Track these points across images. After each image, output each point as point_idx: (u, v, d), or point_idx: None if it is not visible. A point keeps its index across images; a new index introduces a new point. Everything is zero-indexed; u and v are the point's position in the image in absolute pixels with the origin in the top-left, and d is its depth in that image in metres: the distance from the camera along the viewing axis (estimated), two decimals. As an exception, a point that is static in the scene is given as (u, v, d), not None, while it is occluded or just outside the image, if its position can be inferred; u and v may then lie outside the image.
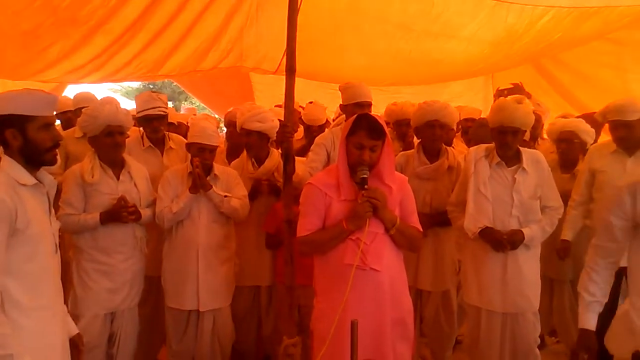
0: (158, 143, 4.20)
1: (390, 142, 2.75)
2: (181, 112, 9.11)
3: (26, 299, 2.28)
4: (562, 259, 4.25)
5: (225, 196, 3.71)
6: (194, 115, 7.20)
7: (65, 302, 2.65)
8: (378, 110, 5.69)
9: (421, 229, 2.88)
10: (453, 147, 4.28)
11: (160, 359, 4.35)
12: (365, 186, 2.64)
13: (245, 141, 3.97)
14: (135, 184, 3.59)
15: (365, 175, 2.65)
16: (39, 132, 2.35)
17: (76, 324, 3.23)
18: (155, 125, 4.08)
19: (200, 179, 3.60)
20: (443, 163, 3.92)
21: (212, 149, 3.73)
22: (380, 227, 2.70)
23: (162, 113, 4.11)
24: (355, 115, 2.75)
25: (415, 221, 2.84)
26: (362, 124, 2.66)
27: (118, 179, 3.54)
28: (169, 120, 4.86)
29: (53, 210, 2.53)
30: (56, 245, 2.48)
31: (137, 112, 4.15)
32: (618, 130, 3.89)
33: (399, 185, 2.81)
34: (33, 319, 2.31)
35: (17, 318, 2.26)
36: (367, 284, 2.64)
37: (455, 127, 4.28)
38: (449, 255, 4.02)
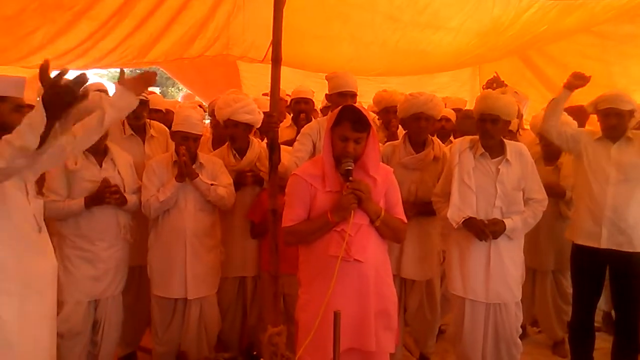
0: (139, 131, 4.19)
1: (375, 134, 2.74)
2: (179, 100, 9.06)
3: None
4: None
5: (212, 184, 3.71)
6: (189, 102, 7.12)
7: None
8: (365, 99, 5.72)
9: (406, 220, 2.90)
10: (452, 140, 4.28)
11: (143, 346, 4.36)
12: (350, 178, 2.65)
13: (230, 132, 3.94)
14: (118, 172, 3.59)
15: (349, 167, 2.66)
16: (11, 113, 2.40)
17: (59, 310, 3.28)
18: (137, 111, 4.01)
19: (186, 167, 3.60)
20: (429, 153, 3.94)
21: (196, 138, 3.72)
22: (365, 218, 2.71)
23: (144, 98, 4.08)
24: (340, 107, 2.74)
25: (399, 212, 2.86)
26: (346, 116, 2.66)
27: (101, 166, 3.54)
28: (156, 107, 4.84)
29: (33, 191, 2.55)
30: (38, 225, 2.52)
31: None
32: (610, 119, 3.91)
33: (384, 177, 2.82)
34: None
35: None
36: (351, 274, 2.66)
37: (440, 119, 4.29)
38: (433, 244, 4.05)
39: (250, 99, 4.03)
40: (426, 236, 4.01)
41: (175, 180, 3.62)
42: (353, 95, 3.88)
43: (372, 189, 2.72)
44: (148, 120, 4.25)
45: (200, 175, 3.68)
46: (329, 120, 2.78)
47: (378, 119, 5.13)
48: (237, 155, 4.01)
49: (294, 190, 2.80)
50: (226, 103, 3.94)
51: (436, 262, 4.10)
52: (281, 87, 3.51)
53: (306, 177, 2.77)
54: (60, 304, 3.36)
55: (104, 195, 3.44)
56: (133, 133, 4.16)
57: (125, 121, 4.15)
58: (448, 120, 5.09)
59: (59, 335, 3.40)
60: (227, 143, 4.09)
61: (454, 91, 7.85)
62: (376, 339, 2.71)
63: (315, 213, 2.74)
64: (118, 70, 3.56)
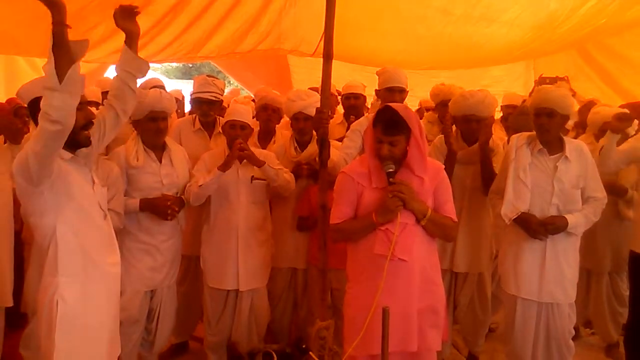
0: (208, 126, 4.28)
1: (418, 134, 2.71)
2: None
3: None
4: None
5: (279, 169, 3.76)
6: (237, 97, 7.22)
7: None
8: (415, 93, 5.65)
9: (456, 219, 2.87)
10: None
11: (196, 336, 4.46)
12: (391, 179, 2.66)
13: (301, 125, 3.98)
14: (175, 167, 3.65)
15: (390, 170, 2.68)
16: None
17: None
18: (204, 109, 4.17)
19: (251, 158, 3.65)
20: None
21: (243, 125, 3.75)
22: (411, 217, 2.71)
23: (213, 98, 4.21)
24: (378, 109, 2.76)
25: (449, 210, 2.83)
26: (380, 119, 2.68)
27: (160, 162, 3.60)
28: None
29: (96, 180, 2.66)
30: (104, 212, 2.63)
31: (192, 93, 4.27)
32: None
33: (433, 174, 2.80)
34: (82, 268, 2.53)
35: (66, 263, 2.47)
36: (396, 273, 2.66)
37: (494, 115, 4.21)
38: (485, 237, 4.01)
39: (318, 95, 4.04)
40: (478, 229, 3.97)
41: (218, 168, 3.62)
42: (402, 90, 3.85)
43: (419, 188, 2.72)
44: (218, 117, 4.34)
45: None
46: (370, 120, 2.80)
47: (434, 111, 5.06)
48: (298, 147, 4.06)
49: (341, 188, 2.83)
50: (298, 96, 4.00)
51: (488, 256, 4.04)
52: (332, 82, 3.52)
53: (353, 175, 2.80)
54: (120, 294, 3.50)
55: (166, 212, 3.50)
56: (201, 128, 4.28)
57: (197, 116, 4.29)
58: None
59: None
60: (290, 135, 4.15)
61: (507, 85, 7.70)
62: (421, 337, 2.72)
63: (363, 210, 2.76)
64: (171, 63, 3.66)
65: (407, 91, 3.94)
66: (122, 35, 2.73)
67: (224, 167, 3.62)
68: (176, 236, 3.69)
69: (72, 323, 2.46)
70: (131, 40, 2.70)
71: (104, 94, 4.98)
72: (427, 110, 6.05)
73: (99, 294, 2.58)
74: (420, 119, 4.28)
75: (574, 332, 3.65)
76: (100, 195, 2.65)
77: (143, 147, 3.55)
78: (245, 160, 3.73)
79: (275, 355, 3.57)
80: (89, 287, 2.53)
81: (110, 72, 5.45)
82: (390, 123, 2.65)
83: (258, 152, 3.90)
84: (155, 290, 3.66)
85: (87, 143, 2.56)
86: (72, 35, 2.27)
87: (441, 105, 4.34)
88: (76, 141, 2.50)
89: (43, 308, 2.47)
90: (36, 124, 2.39)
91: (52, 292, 2.45)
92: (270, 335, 4.21)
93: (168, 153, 3.63)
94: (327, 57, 3.33)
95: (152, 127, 3.51)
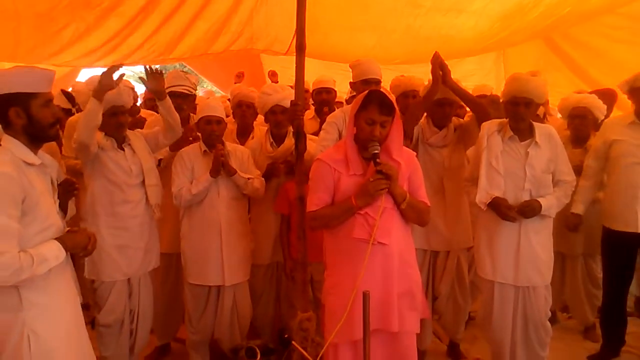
0: (183, 121, 4.27)
1: (399, 118, 2.75)
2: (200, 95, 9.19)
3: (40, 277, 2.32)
4: (572, 231, 4.27)
5: (249, 179, 3.78)
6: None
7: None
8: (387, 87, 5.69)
9: (429, 203, 2.90)
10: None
11: (179, 337, 4.44)
12: (378, 159, 2.66)
13: (278, 119, 4.00)
14: (137, 155, 3.64)
15: (377, 151, 2.67)
16: (41, 109, 2.37)
17: (96, 292, 3.41)
18: (178, 103, 4.14)
19: (224, 166, 3.68)
20: (450, 128, 4.01)
21: (218, 120, 3.78)
22: (389, 201, 2.72)
23: (186, 92, 4.20)
24: (367, 91, 2.75)
25: (422, 195, 2.87)
26: (373, 99, 2.67)
27: (123, 150, 3.61)
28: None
29: (55, 186, 2.57)
30: (63, 225, 2.53)
31: (166, 88, 4.25)
32: None
33: (407, 160, 2.83)
34: (48, 295, 2.38)
35: (29, 295, 2.31)
36: (376, 257, 2.68)
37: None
38: (465, 216, 4.08)
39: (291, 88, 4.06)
40: (457, 207, 4.03)
41: (209, 175, 3.69)
42: (377, 82, 3.89)
43: (397, 172, 2.73)
44: (192, 114, 4.34)
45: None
46: (354, 104, 2.79)
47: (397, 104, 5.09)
48: (274, 143, 4.08)
49: (317, 175, 2.82)
50: (274, 90, 4.02)
51: (468, 234, 4.10)
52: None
53: (330, 161, 2.79)
54: (99, 292, 3.51)
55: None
56: None
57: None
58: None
59: (106, 325, 3.54)
60: (266, 130, 4.16)
61: (479, 79, 7.80)
62: (400, 319, 2.74)
63: (340, 197, 2.75)
64: (143, 70, 3.67)
65: (381, 82, 3.99)
66: (92, 37, 2.72)
67: (215, 173, 3.68)
68: (148, 221, 3.67)
69: (50, 356, 2.35)
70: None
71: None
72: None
73: (67, 316, 2.48)
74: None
75: (550, 313, 3.73)
76: (57, 205, 2.55)
77: (107, 138, 3.56)
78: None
79: (258, 351, 3.56)
80: (57, 312, 2.41)
81: (83, 76, 5.40)
82: (384, 103, 2.66)
83: (234, 147, 3.92)
84: (132, 286, 3.64)
85: (56, 137, 2.53)
86: (40, 36, 2.27)
87: (402, 97, 4.38)
88: (46, 137, 2.45)
89: (8, 349, 2.27)
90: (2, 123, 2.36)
91: (20, 328, 2.28)
92: (253, 332, 4.20)
93: (128, 142, 3.63)
94: (300, 48, 3.35)
95: (113, 121, 3.53)
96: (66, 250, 2.40)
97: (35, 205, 2.30)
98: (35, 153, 2.42)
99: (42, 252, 2.29)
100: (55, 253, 2.35)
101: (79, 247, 2.49)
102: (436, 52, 3.77)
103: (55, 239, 2.39)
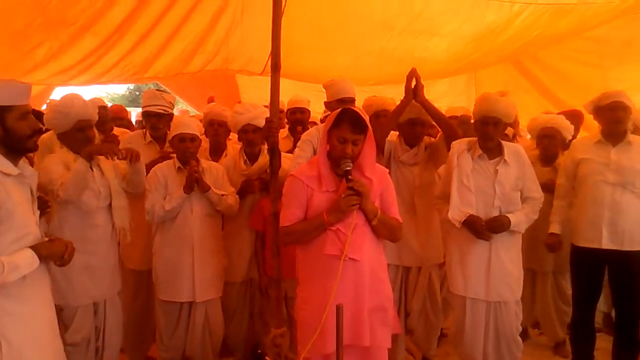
0: (159, 140, 4.28)
1: (372, 136, 2.80)
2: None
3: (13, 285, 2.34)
4: (553, 251, 4.32)
5: (222, 195, 3.79)
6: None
7: None
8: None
9: (401, 220, 2.94)
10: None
11: (150, 356, 4.39)
12: (349, 176, 2.70)
13: (250, 138, 4.03)
14: (106, 176, 3.62)
15: (348, 168, 2.72)
16: (17, 121, 2.41)
17: (65, 317, 3.33)
18: (153, 122, 4.20)
19: (198, 182, 3.69)
20: (420, 146, 4.09)
21: (193, 137, 3.79)
22: (361, 218, 2.76)
23: (162, 111, 4.24)
24: (340, 109, 2.80)
25: (395, 212, 2.91)
26: (345, 118, 2.71)
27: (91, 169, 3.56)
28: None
29: (35, 197, 2.58)
30: (41, 234, 2.54)
31: (142, 107, 4.30)
32: (617, 112, 3.92)
33: (380, 177, 2.88)
34: (22, 304, 2.38)
35: (2, 302, 2.32)
36: (347, 273, 2.70)
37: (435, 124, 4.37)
38: (435, 232, 4.14)
39: (264, 107, 4.07)
40: (428, 224, 4.09)
41: (183, 191, 3.70)
42: (352, 101, 3.97)
43: (369, 189, 2.77)
44: (168, 131, 4.36)
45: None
46: (327, 121, 2.83)
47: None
48: (247, 161, 4.10)
49: (290, 191, 2.85)
50: (245, 109, 4.06)
51: (439, 249, 4.15)
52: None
53: (303, 177, 2.82)
54: (66, 312, 3.45)
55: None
56: (152, 140, 4.29)
57: (147, 130, 4.31)
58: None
59: (74, 345, 3.48)
60: (239, 148, 4.19)
61: (451, 101, 7.91)
62: (372, 334, 2.76)
63: (312, 213, 2.79)
64: (118, 91, 3.68)
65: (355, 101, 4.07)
66: (66, 55, 2.77)
67: (189, 189, 3.69)
68: (114, 247, 3.65)
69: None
70: None
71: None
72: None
73: (42, 326, 2.49)
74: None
75: (521, 328, 3.80)
76: (36, 216, 2.57)
77: (75, 156, 3.50)
78: None
79: (231, 368, 3.55)
80: (32, 320, 2.43)
81: (57, 94, 5.36)
82: (357, 122, 2.70)
83: (209, 164, 3.94)
84: (98, 305, 3.61)
85: (35, 149, 2.56)
86: (15, 53, 2.31)
87: (374, 117, 4.46)
88: (24, 149, 2.49)
89: None
90: None
91: None
92: (226, 349, 4.18)
93: (97, 162, 3.58)
94: (275, 67, 3.41)
95: (80, 136, 3.51)
96: (41, 259, 2.41)
97: (11, 214, 2.33)
98: (15, 164, 2.45)
99: (14, 259, 2.31)
100: (29, 261, 2.37)
101: (55, 256, 2.51)
102: (413, 67, 3.90)
103: (30, 247, 2.40)
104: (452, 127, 3.96)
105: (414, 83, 3.89)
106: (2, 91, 2.39)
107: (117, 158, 3.44)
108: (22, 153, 2.50)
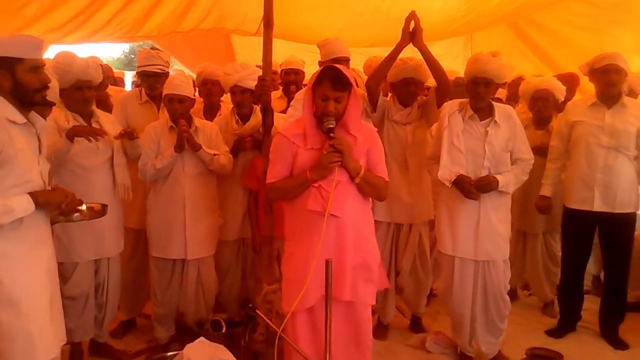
0: (155, 99, 4.26)
1: (357, 93, 2.80)
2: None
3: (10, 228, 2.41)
4: (543, 213, 4.38)
5: (214, 155, 3.79)
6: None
7: None
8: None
9: (387, 179, 2.95)
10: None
11: (145, 313, 4.46)
12: (332, 134, 2.71)
13: (238, 99, 4.00)
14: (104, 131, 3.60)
15: (331, 125, 2.72)
16: (27, 74, 2.47)
17: (65, 272, 3.40)
18: (150, 82, 4.17)
19: (189, 141, 3.68)
20: (414, 106, 4.10)
21: (181, 99, 3.76)
22: (344, 175, 2.77)
23: (158, 71, 4.20)
24: (321, 67, 2.81)
25: (381, 171, 2.91)
26: (326, 75, 2.71)
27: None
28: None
29: (43, 150, 2.64)
30: (45, 184, 2.59)
31: (137, 67, 4.25)
32: (610, 75, 3.93)
33: (366, 135, 2.88)
34: (18, 247, 2.45)
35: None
36: (329, 229, 2.73)
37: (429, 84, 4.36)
38: (427, 188, 4.19)
39: (255, 67, 4.04)
40: (419, 181, 4.13)
41: (174, 150, 3.69)
42: (346, 60, 3.95)
43: (353, 147, 2.78)
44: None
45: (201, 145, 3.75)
46: (310, 80, 2.83)
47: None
48: (239, 120, 4.09)
49: (277, 148, 2.88)
50: (234, 69, 4.00)
51: (430, 206, 4.21)
52: (273, 58, 3.57)
53: (289, 135, 2.84)
54: (65, 265, 3.48)
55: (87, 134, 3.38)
56: (148, 99, 4.26)
57: (142, 89, 4.27)
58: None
59: (71, 298, 3.53)
60: (231, 108, 4.17)
61: (447, 64, 7.80)
62: (354, 290, 2.81)
63: (297, 170, 2.81)
64: (113, 54, 3.65)
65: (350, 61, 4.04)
66: (57, 13, 2.78)
67: (179, 148, 3.69)
68: (116, 204, 3.65)
69: (15, 307, 2.42)
70: None
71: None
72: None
73: (38, 271, 2.54)
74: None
75: (509, 287, 3.86)
76: (43, 166, 2.62)
77: (71, 114, 3.51)
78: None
79: (224, 324, 3.61)
80: (27, 265, 2.48)
81: (50, 53, 5.29)
82: (337, 79, 2.69)
83: (202, 123, 3.94)
84: (100, 262, 3.65)
85: (44, 103, 2.60)
86: (5, 10, 2.32)
87: None
88: (32, 102, 2.53)
89: None
90: None
91: None
92: (219, 307, 4.25)
93: (96, 119, 3.59)
94: (268, 25, 3.39)
95: (78, 96, 3.50)
96: (38, 206, 2.46)
97: (12, 159, 2.40)
98: (26, 115, 2.51)
99: (9, 202, 2.37)
100: (24, 206, 2.42)
101: (53, 204, 2.55)
102: (413, 10, 3.83)
103: (29, 193, 2.46)
104: (446, 78, 3.94)
105: (412, 26, 3.80)
106: (14, 44, 2.46)
107: (99, 139, 3.38)
108: (30, 106, 2.54)
